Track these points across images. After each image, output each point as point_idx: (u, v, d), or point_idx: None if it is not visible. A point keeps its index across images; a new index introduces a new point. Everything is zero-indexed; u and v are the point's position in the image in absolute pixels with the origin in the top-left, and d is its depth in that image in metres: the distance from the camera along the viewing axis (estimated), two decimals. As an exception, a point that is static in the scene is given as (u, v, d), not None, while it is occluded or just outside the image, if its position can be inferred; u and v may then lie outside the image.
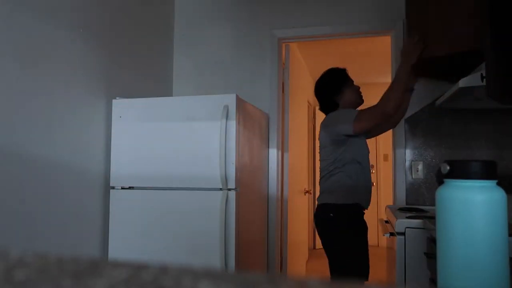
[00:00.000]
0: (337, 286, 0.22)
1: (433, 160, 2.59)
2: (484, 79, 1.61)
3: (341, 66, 2.27)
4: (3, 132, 1.64)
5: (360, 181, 2.05)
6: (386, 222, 2.36)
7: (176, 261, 2.10)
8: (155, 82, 2.85)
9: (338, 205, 2.02)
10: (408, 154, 2.64)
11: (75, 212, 2.02)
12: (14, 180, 1.68)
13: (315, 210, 2.13)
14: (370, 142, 2.33)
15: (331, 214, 2.01)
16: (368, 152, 2.17)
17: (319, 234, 2.09)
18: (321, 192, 2.12)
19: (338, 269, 2.00)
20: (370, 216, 2.95)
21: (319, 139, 2.17)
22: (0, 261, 0.25)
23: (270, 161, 2.84)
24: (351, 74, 2.25)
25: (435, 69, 2.31)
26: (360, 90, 2.21)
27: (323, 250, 2.09)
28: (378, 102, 1.93)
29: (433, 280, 1.59)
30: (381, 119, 1.91)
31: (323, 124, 2.13)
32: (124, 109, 2.24)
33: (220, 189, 2.05)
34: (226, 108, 2.06)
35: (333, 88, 2.17)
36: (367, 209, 2.12)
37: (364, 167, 2.09)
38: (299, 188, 3.67)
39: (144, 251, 2.14)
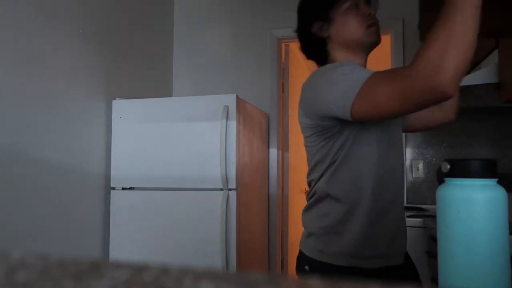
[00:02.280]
0: (337, 286, 0.22)
1: (434, 159, 2.59)
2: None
3: None
4: (3, 133, 1.64)
5: (371, 220, 1.03)
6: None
7: (177, 261, 2.10)
8: (155, 83, 2.85)
9: (316, 262, 1.08)
10: (409, 152, 2.64)
11: (75, 213, 2.02)
12: (14, 181, 1.68)
13: None
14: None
15: (306, 267, 1.12)
16: (398, 155, 1.12)
17: None
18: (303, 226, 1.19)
19: None
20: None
21: (298, 120, 1.16)
22: (1, 262, 0.25)
23: (271, 161, 2.85)
24: None
25: None
26: (375, 21, 1.12)
27: None
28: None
29: (434, 279, 1.59)
30: (426, 90, 0.78)
31: (301, 96, 1.11)
32: (124, 110, 2.24)
33: (221, 189, 2.06)
34: (226, 108, 2.06)
35: (313, 12, 1.19)
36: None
37: (383, 189, 1.05)
38: (300, 188, 3.67)
39: (145, 251, 2.14)
